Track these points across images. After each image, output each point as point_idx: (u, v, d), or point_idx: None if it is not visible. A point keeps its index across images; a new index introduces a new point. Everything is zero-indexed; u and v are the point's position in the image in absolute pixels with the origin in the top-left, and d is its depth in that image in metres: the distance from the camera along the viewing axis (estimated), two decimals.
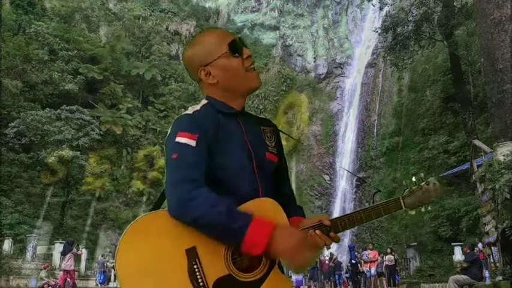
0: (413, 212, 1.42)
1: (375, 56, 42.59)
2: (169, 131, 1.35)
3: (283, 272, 1.31)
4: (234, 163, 1.34)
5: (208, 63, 1.40)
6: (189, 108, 1.41)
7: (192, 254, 1.22)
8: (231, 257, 1.24)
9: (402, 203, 1.40)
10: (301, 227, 1.32)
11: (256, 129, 1.46)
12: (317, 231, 1.29)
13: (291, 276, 17.32)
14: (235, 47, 1.40)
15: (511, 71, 10.38)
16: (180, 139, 1.29)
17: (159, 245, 1.23)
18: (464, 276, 9.55)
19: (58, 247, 19.97)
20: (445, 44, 21.35)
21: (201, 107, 1.40)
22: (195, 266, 1.21)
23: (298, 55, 46.31)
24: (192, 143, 1.29)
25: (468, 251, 10.73)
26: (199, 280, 1.21)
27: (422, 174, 1.44)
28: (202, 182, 1.24)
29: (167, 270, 1.22)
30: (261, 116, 1.49)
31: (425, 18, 21.16)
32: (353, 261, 17.27)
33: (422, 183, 1.43)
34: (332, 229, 1.32)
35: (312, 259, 1.26)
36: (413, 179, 1.44)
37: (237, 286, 1.23)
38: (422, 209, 1.42)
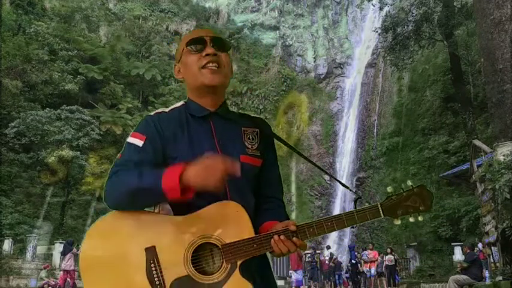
0: (398, 222, 1.30)
1: (374, 56, 42.57)
2: None
3: (251, 278, 1.25)
4: None
5: (178, 60, 1.45)
6: (165, 108, 1.44)
7: (150, 253, 1.23)
8: (190, 258, 1.23)
9: (381, 210, 1.29)
10: (270, 231, 1.29)
11: (233, 131, 1.41)
12: (281, 237, 1.24)
13: (290, 276, 17.33)
14: (193, 43, 1.40)
15: (511, 71, 10.38)
16: (131, 139, 1.34)
17: (121, 241, 1.25)
18: (464, 276, 9.55)
19: (58, 247, 19.95)
20: (445, 44, 21.35)
21: (174, 108, 1.43)
22: (152, 266, 1.22)
23: (298, 55, 46.30)
24: (139, 143, 1.31)
25: (468, 251, 10.73)
26: (156, 280, 1.22)
27: (409, 182, 1.33)
28: (134, 170, 1.26)
29: (126, 268, 1.23)
30: (261, 116, 1.45)
31: (425, 18, 21.16)
32: (353, 261, 17.27)
33: (405, 191, 1.31)
34: (299, 235, 1.26)
35: (219, 179, 1.17)
36: (402, 185, 1.33)
37: (195, 287, 1.22)
38: (411, 219, 1.30)
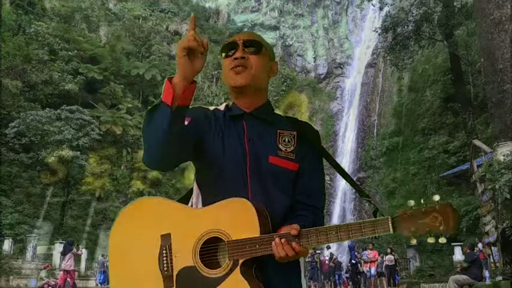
0: (413, 241, 1.14)
1: (374, 56, 42.59)
2: None
3: (256, 277, 1.25)
4: (225, 166, 1.36)
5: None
6: (211, 107, 1.52)
7: (165, 240, 1.30)
8: (199, 250, 1.27)
9: (390, 225, 1.15)
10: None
11: (267, 132, 1.42)
12: (282, 240, 1.21)
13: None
14: (226, 48, 1.47)
15: (511, 71, 10.39)
16: None
17: (142, 226, 1.33)
18: (464, 276, 9.55)
19: (58, 247, 19.94)
20: (445, 44, 21.35)
21: (219, 109, 1.50)
22: (164, 252, 1.28)
23: (298, 55, 46.32)
24: (185, 123, 1.36)
25: (468, 251, 10.73)
26: (165, 266, 1.28)
27: (437, 197, 1.13)
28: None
29: (142, 252, 1.31)
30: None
31: (425, 18, 21.16)
32: (353, 261, 17.27)
33: (425, 206, 1.14)
34: (301, 241, 1.21)
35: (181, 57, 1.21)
36: (422, 200, 1.15)
37: (198, 279, 1.24)
38: (430, 240, 1.12)
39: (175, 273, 1.27)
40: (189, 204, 1.45)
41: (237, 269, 1.22)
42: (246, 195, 1.32)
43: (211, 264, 1.26)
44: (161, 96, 1.24)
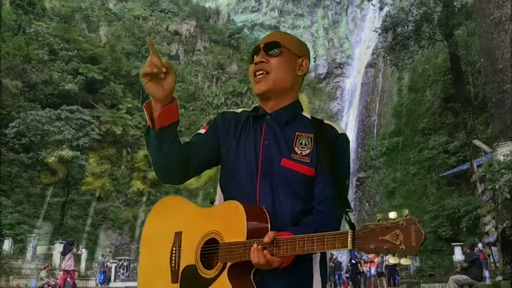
0: (393, 261, 0.99)
1: (374, 56, 42.59)
2: None
3: (252, 282, 1.24)
4: (238, 167, 1.39)
5: None
6: (242, 109, 1.56)
7: (177, 238, 1.37)
8: (200, 249, 1.30)
9: (350, 240, 1.04)
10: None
11: (285, 134, 1.38)
12: (259, 247, 1.17)
13: None
14: (252, 53, 1.47)
15: (511, 71, 10.39)
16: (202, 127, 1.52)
17: (164, 223, 1.43)
18: (464, 276, 9.55)
19: (58, 247, 19.94)
20: (445, 44, 21.36)
21: (246, 110, 1.51)
22: (174, 249, 1.35)
23: None
24: (202, 131, 1.47)
25: (468, 251, 10.72)
26: (173, 263, 1.35)
27: (406, 212, 0.99)
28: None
29: (159, 247, 1.40)
30: None
31: (425, 18, 21.17)
32: (353, 261, 17.28)
33: (388, 220, 1.00)
34: (274, 250, 1.16)
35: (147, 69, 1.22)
36: (391, 214, 1.00)
37: (196, 278, 1.28)
38: (391, 260, 0.99)
39: (180, 270, 1.33)
40: (216, 202, 1.49)
41: (225, 272, 1.23)
42: (254, 197, 1.33)
43: (209, 264, 1.27)
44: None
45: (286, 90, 1.45)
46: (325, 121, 1.46)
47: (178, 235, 1.37)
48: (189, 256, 1.31)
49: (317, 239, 1.10)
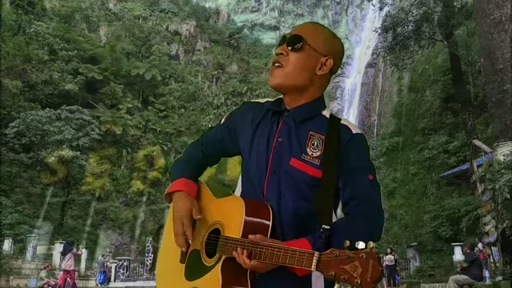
0: (336, 285, 0.98)
1: (374, 56, 42.59)
2: None
3: (248, 278, 1.24)
4: (250, 162, 1.39)
5: None
6: (267, 98, 1.51)
7: (192, 221, 1.39)
8: (207, 236, 1.34)
9: (314, 262, 1.03)
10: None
11: (300, 133, 1.35)
12: (241, 250, 1.17)
13: None
14: (278, 42, 1.43)
15: (511, 71, 10.39)
16: (224, 116, 1.56)
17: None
18: (464, 276, 9.54)
19: (58, 247, 19.96)
20: (445, 44, 21.35)
21: (270, 101, 1.48)
22: (187, 232, 1.35)
23: None
24: (222, 121, 1.52)
25: (468, 251, 10.71)
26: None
27: (372, 244, 0.97)
28: (198, 148, 1.53)
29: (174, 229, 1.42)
30: None
31: (425, 18, 21.16)
32: None
33: (351, 249, 0.97)
34: (255, 254, 1.15)
35: (178, 236, 1.35)
36: (360, 244, 0.97)
37: (198, 263, 1.33)
38: None
39: (188, 253, 1.37)
40: (236, 192, 1.50)
41: (219, 264, 1.25)
42: (261, 194, 1.34)
43: (212, 253, 1.31)
44: (172, 181, 1.47)
45: (302, 87, 1.39)
46: (342, 120, 1.41)
47: (192, 220, 1.40)
48: (197, 241, 1.36)
49: (290, 253, 1.08)
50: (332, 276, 0.98)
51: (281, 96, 1.44)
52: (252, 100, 1.52)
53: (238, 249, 1.18)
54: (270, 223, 1.25)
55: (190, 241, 1.34)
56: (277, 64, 1.37)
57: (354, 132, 1.36)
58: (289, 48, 1.35)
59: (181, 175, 1.44)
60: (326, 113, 1.44)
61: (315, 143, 1.33)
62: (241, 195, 1.40)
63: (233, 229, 1.25)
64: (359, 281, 0.94)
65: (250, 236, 1.19)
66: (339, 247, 1.01)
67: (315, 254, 1.03)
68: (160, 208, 30.13)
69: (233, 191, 1.50)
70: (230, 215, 1.29)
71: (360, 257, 0.95)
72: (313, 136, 1.34)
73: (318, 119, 1.39)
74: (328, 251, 1.01)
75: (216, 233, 1.32)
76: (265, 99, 1.49)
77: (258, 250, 1.15)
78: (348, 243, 0.98)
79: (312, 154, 1.31)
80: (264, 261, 1.13)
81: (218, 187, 1.50)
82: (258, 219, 1.25)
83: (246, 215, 1.23)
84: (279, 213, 1.28)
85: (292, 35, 1.38)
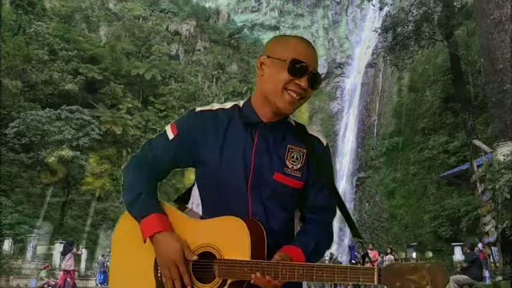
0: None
1: (374, 56, 42.59)
2: None
3: None
4: (222, 176, 1.31)
5: (271, 56, 1.37)
6: (216, 104, 1.42)
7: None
8: (192, 265, 1.27)
9: (376, 276, 1.09)
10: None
11: (277, 146, 1.35)
12: (258, 274, 1.18)
13: None
14: (295, 66, 1.31)
15: (511, 71, 10.39)
16: (167, 127, 1.39)
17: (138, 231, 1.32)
18: (464, 276, 9.55)
19: (58, 247, 19.93)
20: (445, 44, 21.35)
21: (221, 108, 1.40)
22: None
23: None
24: (170, 136, 1.36)
25: (468, 251, 10.72)
26: (160, 274, 1.29)
27: (430, 254, 1.13)
28: (150, 172, 1.37)
29: (138, 251, 1.33)
30: None
31: (425, 18, 21.16)
32: (353, 261, 17.24)
33: (415, 262, 1.11)
34: (280, 275, 1.17)
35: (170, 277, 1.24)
36: (414, 254, 1.13)
37: None
38: None
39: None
40: (189, 206, 1.43)
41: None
42: (246, 209, 1.29)
43: (202, 278, 1.26)
44: (143, 217, 1.29)
45: None
46: (310, 130, 1.44)
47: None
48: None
49: (339, 270, 1.13)
50: (398, 287, 1.05)
51: (236, 102, 1.41)
52: (201, 108, 1.40)
53: (258, 274, 1.17)
54: (265, 240, 1.26)
55: (189, 287, 1.24)
56: (300, 97, 1.33)
57: (324, 144, 1.42)
58: (312, 86, 1.35)
59: (149, 211, 1.29)
60: (291, 120, 1.45)
61: (295, 156, 1.35)
62: (206, 209, 1.35)
63: (239, 252, 1.21)
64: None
65: (276, 257, 1.21)
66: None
67: (375, 269, 1.09)
68: None
69: (177, 201, 1.46)
70: (230, 237, 1.24)
71: (425, 267, 1.05)
72: (292, 149, 1.36)
73: (290, 130, 1.41)
74: (387, 265, 1.10)
75: (204, 256, 1.26)
76: (216, 106, 1.40)
77: (292, 270, 1.16)
78: (402, 254, 1.04)
79: (293, 167, 1.34)
80: (301, 279, 1.16)
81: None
82: (259, 240, 1.24)
83: (252, 238, 1.22)
84: (267, 227, 1.28)
85: (317, 74, 1.36)
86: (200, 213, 1.37)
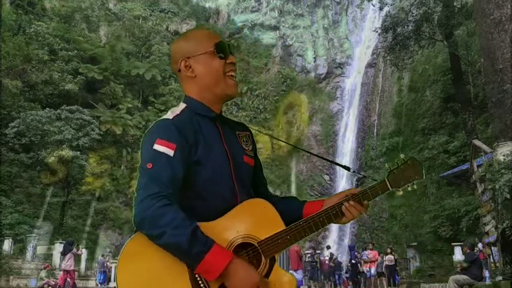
0: (400, 192, 1.45)
1: (374, 56, 42.59)
2: (146, 134, 1.33)
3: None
4: (213, 168, 1.35)
5: (191, 56, 1.40)
6: (169, 111, 1.39)
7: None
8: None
9: (388, 184, 1.44)
10: (327, 205, 1.41)
11: (232, 134, 1.47)
12: (350, 202, 1.40)
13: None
14: (222, 48, 1.40)
15: (511, 71, 10.39)
16: (158, 147, 1.26)
17: (158, 255, 1.22)
18: (464, 276, 9.54)
19: (58, 247, 19.95)
20: (445, 44, 21.35)
21: (180, 111, 1.38)
22: (196, 274, 1.21)
23: (298, 55, 46.30)
24: (170, 152, 1.26)
25: (468, 251, 10.71)
26: (200, 284, 1.21)
27: (402, 155, 1.48)
28: (173, 198, 1.22)
29: (168, 279, 1.22)
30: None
31: (425, 18, 21.16)
32: (353, 261, 17.24)
33: (401, 164, 1.46)
34: (362, 198, 1.43)
35: None
36: (396, 160, 1.49)
37: None
38: (409, 188, 1.45)
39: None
40: None
41: (276, 264, 1.30)
42: (234, 193, 1.36)
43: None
44: (206, 252, 1.18)
45: None
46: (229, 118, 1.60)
47: None
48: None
49: (370, 191, 1.46)
50: (402, 185, 1.44)
51: (182, 106, 1.40)
52: (167, 116, 1.35)
53: (348, 203, 1.40)
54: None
55: None
56: (235, 75, 1.44)
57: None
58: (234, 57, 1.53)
59: (208, 243, 1.19)
60: (231, 109, 1.59)
61: (244, 139, 1.50)
62: (197, 204, 1.32)
63: (272, 227, 1.30)
64: (417, 177, 1.45)
65: (340, 195, 1.45)
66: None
67: (386, 180, 1.45)
68: None
69: None
70: (259, 218, 1.32)
71: (408, 164, 1.45)
72: (240, 134, 1.49)
73: (226, 119, 1.53)
74: (388, 174, 1.47)
75: (236, 250, 1.26)
76: (172, 115, 1.35)
77: (364, 194, 1.45)
78: (388, 164, 1.50)
79: (248, 148, 1.49)
80: (372, 197, 1.46)
81: None
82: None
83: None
84: None
85: (229, 43, 1.47)
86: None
